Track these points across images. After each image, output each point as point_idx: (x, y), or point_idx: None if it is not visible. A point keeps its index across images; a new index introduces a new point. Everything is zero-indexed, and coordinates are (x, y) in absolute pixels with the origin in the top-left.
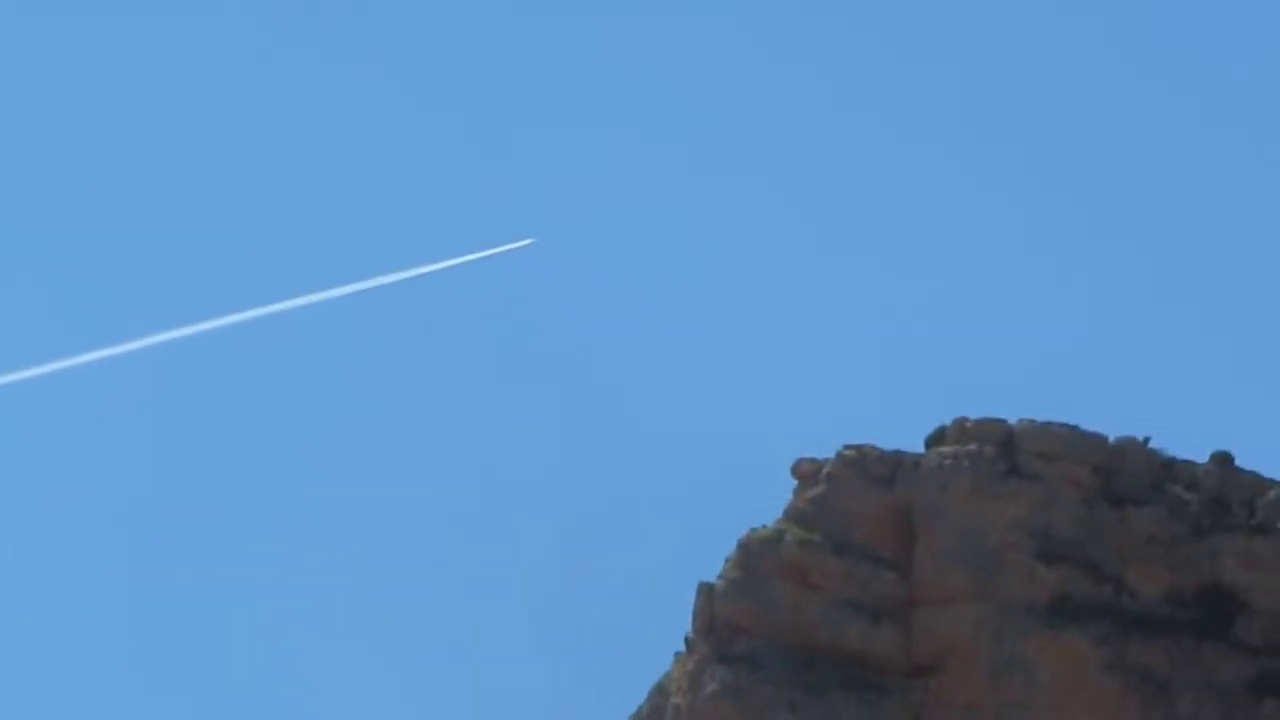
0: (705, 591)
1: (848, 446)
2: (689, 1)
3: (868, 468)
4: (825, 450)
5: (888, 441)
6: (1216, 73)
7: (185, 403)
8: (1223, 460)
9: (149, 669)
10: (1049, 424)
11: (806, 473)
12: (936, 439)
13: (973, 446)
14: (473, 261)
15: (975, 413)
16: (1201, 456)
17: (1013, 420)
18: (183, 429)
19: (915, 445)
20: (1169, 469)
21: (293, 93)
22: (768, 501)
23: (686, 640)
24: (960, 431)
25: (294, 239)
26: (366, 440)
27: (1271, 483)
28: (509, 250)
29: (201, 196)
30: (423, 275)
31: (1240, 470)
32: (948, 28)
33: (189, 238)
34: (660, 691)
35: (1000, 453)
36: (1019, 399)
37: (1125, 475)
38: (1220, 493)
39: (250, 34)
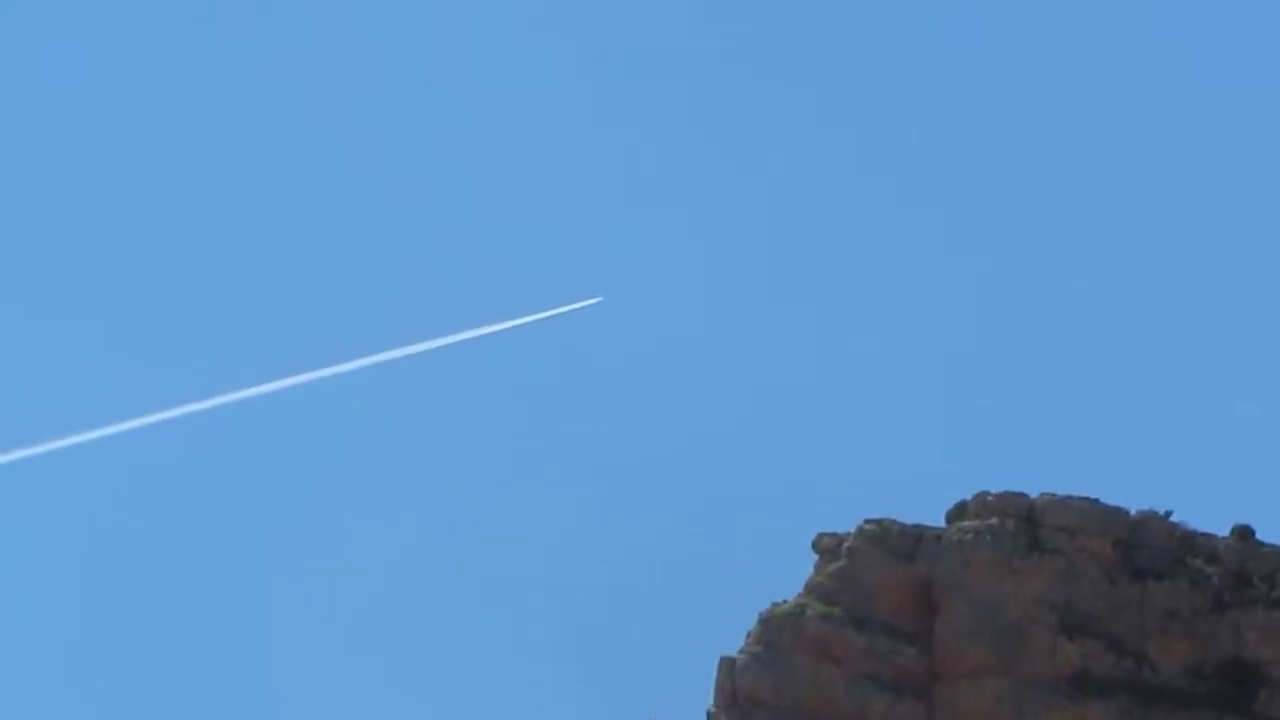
0: (726, 666)
1: (869, 520)
2: (752, 70)
3: (889, 542)
4: (846, 524)
5: (909, 515)
6: (1225, 109)
7: (264, 457)
8: (1244, 534)
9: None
10: (1070, 497)
11: (828, 547)
12: (958, 513)
13: (994, 520)
14: (541, 320)
15: (996, 486)
16: (1222, 530)
17: (1034, 494)
18: (266, 482)
19: (936, 519)
20: (1190, 542)
21: (363, 149)
22: (789, 575)
23: (708, 715)
24: (981, 505)
25: (364, 298)
26: (427, 495)
27: None
28: (577, 309)
29: (272, 255)
30: (492, 333)
31: (1261, 544)
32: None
33: (256, 298)
34: None
35: (1021, 527)
36: (1040, 472)
37: (1146, 549)
38: (1241, 566)
39: (323, 87)
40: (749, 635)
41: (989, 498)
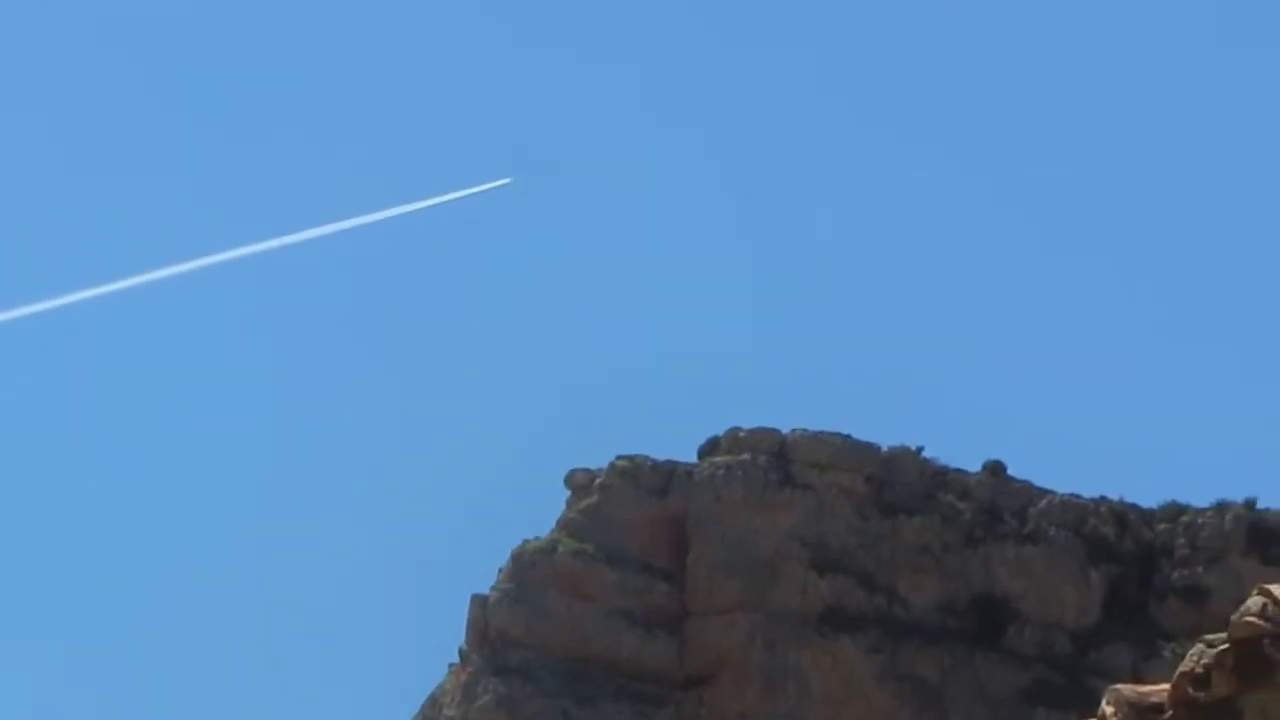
0: (479, 603)
1: (620, 457)
2: None
3: (641, 478)
4: (598, 460)
5: (661, 451)
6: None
7: (170, 341)
8: (994, 470)
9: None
10: (822, 433)
11: (580, 483)
12: (710, 449)
13: (746, 456)
14: (452, 200)
15: (748, 422)
16: (974, 466)
17: (786, 430)
18: (172, 367)
19: (688, 455)
20: (941, 478)
21: (279, 36)
22: (541, 512)
23: (461, 652)
24: (733, 441)
25: (276, 180)
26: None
27: (1043, 492)
28: (487, 189)
29: (189, 139)
30: (402, 214)
31: (1012, 479)
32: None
33: (172, 179)
34: (433, 703)
35: (773, 462)
36: (792, 408)
37: (898, 485)
38: (993, 502)
39: None
40: (501, 572)
41: (741, 433)
